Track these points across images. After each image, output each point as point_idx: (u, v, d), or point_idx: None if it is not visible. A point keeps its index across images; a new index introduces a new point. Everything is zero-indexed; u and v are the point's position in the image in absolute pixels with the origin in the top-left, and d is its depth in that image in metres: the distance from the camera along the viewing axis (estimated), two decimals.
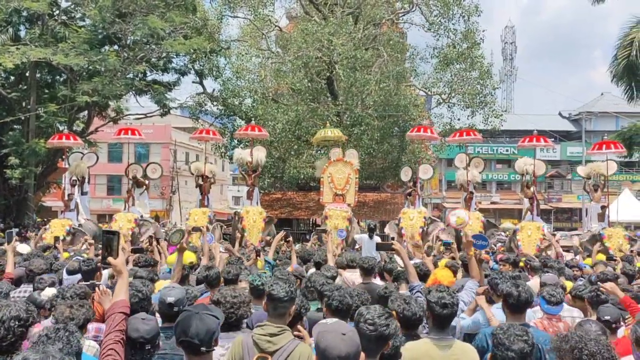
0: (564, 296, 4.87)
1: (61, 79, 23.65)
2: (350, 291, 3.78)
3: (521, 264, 8.91)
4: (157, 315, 4.06)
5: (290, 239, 7.64)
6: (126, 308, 3.05)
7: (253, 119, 23.30)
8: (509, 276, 4.88)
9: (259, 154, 16.29)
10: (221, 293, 3.63)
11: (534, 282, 7.17)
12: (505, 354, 2.84)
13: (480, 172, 16.88)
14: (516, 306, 3.92)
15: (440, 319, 3.49)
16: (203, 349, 2.73)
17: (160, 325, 3.82)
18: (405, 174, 16.05)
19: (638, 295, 5.25)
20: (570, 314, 5.11)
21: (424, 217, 14.46)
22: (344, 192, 15.54)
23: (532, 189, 15.40)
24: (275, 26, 26.45)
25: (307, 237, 23.28)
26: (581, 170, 16.05)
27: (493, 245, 16.16)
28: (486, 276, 6.52)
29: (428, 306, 3.56)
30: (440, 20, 24.75)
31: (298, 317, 3.77)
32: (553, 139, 48.50)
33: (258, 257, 7.48)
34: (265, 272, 6.82)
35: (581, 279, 8.22)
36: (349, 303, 3.72)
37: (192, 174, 17.38)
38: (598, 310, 4.25)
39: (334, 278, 6.21)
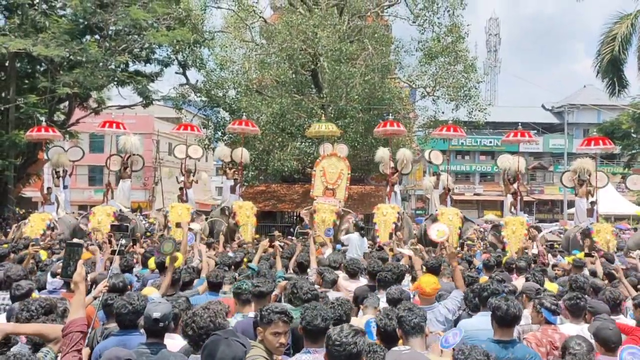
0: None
1: (41, 69, 23.23)
2: (324, 313, 3.59)
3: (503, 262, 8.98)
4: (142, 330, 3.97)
5: (276, 243, 7.53)
6: (84, 326, 2.98)
7: (237, 111, 23.11)
8: (496, 289, 4.84)
9: (243, 153, 16.54)
10: (193, 312, 3.57)
11: (519, 282, 7.21)
12: None
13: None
14: (504, 320, 3.91)
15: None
16: None
17: (145, 340, 3.76)
18: (384, 167, 16.23)
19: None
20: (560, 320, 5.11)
21: (398, 213, 14.54)
22: (335, 186, 15.67)
23: (515, 184, 15.55)
24: (260, 17, 26.18)
25: (292, 229, 23.32)
26: (567, 181, 16.26)
27: (472, 240, 16.36)
28: (472, 282, 6.48)
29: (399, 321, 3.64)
30: (425, 14, 24.67)
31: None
32: (535, 131, 48.97)
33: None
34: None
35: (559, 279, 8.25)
36: (317, 325, 3.51)
37: (175, 156, 17.37)
38: (595, 331, 4.13)
39: (334, 282, 6.16)
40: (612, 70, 20.16)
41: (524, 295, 5.66)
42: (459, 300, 4.97)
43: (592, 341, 4.05)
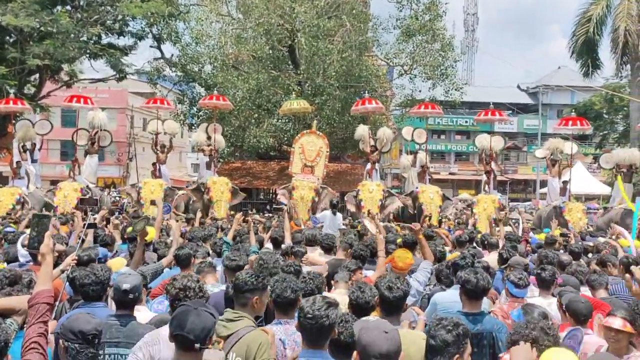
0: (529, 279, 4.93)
1: (11, 40, 22.57)
2: (294, 284, 3.62)
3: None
4: (111, 301, 3.93)
5: (250, 219, 7.53)
6: (50, 298, 2.92)
7: (213, 86, 22.82)
8: (469, 262, 4.91)
9: (217, 138, 16.40)
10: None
11: (492, 257, 7.30)
12: (429, 342, 2.87)
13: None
14: (473, 292, 3.95)
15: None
16: (197, 345, 2.64)
17: (114, 312, 3.72)
18: (364, 145, 16.16)
19: None
20: (532, 294, 5.20)
21: (383, 190, 14.61)
22: (314, 164, 15.64)
23: (491, 163, 15.76)
24: None
25: (267, 207, 23.30)
26: (540, 153, 16.48)
27: (449, 217, 16.55)
28: (441, 257, 6.56)
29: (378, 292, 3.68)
30: None
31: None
32: (510, 112, 49.42)
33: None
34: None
35: (531, 255, 8.39)
36: (287, 297, 3.56)
37: (150, 133, 17.13)
38: (567, 303, 4.21)
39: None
40: (587, 52, 20.43)
41: (511, 269, 5.74)
42: (428, 270, 5.05)
43: (557, 314, 4.17)
